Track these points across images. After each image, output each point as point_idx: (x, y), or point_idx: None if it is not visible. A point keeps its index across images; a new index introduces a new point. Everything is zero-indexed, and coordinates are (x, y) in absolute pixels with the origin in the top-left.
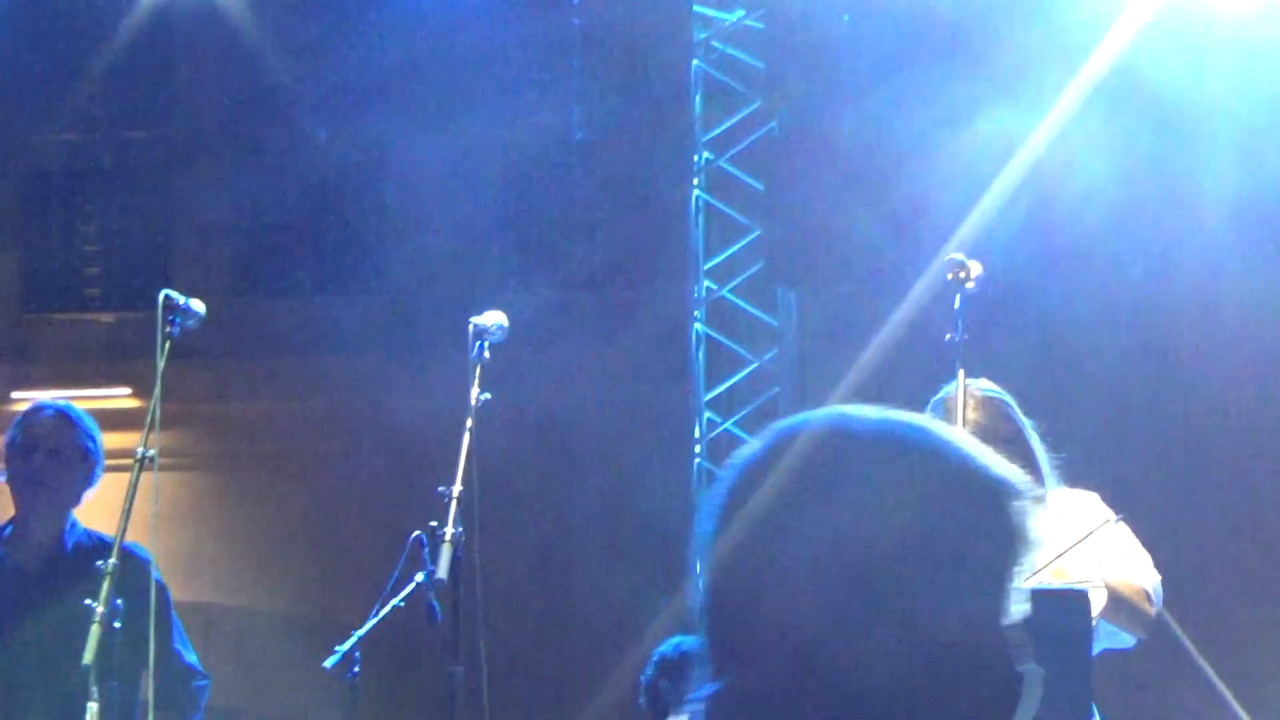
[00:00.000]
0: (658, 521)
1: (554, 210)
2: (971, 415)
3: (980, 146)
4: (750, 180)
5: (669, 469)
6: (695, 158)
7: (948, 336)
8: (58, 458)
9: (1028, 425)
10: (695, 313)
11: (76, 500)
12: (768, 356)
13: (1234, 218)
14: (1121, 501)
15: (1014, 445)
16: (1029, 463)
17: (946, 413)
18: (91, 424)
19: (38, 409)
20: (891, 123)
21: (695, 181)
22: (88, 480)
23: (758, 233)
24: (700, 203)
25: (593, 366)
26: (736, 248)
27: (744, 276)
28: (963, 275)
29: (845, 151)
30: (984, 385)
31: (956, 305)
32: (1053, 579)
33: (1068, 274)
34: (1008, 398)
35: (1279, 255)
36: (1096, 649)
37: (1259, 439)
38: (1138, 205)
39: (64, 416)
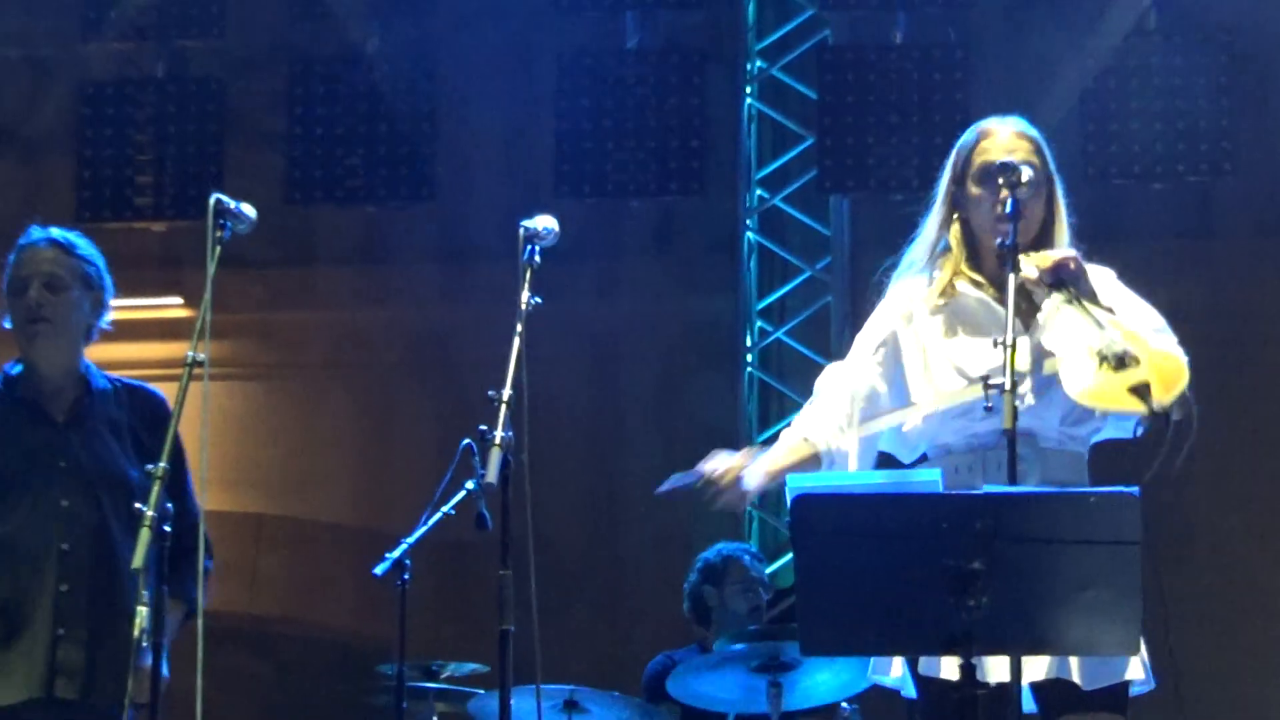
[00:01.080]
0: (708, 430)
1: (605, 118)
2: (1016, 142)
3: (1034, 60)
4: (803, 89)
5: (720, 377)
6: (748, 66)
7: (998, 241)
8: (55, 289)
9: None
10: (747, 221)
11: (87, 335)
12: (820, 265)
13: None
14: None
15: (1041, 189)
16: (1050, 212)
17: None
18: (91, 249)
19: (29, 239)
20: (945, 31)
21: (748, 90)
22: (97, 311)
23: (810, 141)
24: (753, 111)
25: (643, 275)
26: (789, 156)
27: (796, 185)
28: (1014, 179)
29: (898, 60)
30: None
31: (1007, 210)
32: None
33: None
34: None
35: None
36: (1100, 437)
37: None
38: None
39: (56, 244)
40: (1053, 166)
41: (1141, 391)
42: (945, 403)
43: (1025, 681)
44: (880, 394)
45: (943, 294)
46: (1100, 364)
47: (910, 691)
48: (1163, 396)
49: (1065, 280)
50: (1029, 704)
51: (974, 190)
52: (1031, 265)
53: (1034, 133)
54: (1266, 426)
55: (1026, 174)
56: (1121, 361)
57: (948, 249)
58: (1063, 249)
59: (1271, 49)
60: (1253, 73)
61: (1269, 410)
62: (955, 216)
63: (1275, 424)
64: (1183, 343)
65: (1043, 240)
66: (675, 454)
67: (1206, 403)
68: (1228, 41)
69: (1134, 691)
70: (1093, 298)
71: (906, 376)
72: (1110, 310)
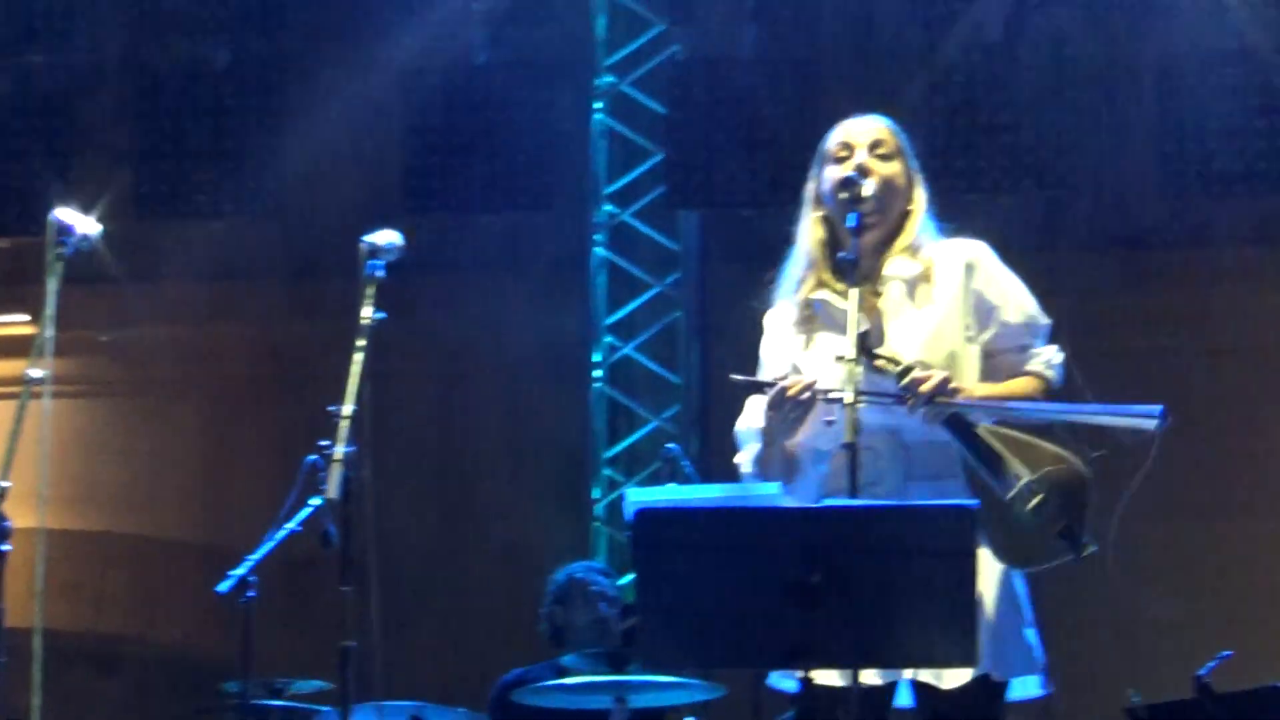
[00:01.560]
0: (556, 445)
1: (454, 134)
2: (874, 124)
3: (883, 73)
4: (653, 104)
5: (568, 393)
6: (597, 81)
7: (839, 255)
8: None
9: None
10: (596, 236)
11: None
12: (669, 280)
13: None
14: None
15: (892, 160)
16: (908, 183)
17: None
18: None
19: None
20: (794, 45)
21: (597, 105)
22: None
23: (659, 156)
24: (602, 126)
25: (492, 290)
26: (638, 172)
27: (645, 200)
28: (855, 193)
29: (747, 74)
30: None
31: (851, 224)
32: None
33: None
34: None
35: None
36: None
37: None
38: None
39: None
40: (913, 161)
41: (1067, 533)
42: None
43: (905, 677)
44: None
45: (807, 306)
46: (1015, 521)
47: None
48: (1078, 521)
49: (943, 409)
50: (908, 699)
51: (826, 192)
52: (890, 361)
53: (893, 124)
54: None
55: (869, 188)
56: (1024, 514)
57: (812, 255)
58: (930, 373)
59: (1108, 61)
60: (1088, 86)
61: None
62: (819, 217)
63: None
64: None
65: (897, 234)
66: (524, 470)
67: None
68: (1071, 54)
69: (1023, 696)
70: (971, 428)
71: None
72: (998, 432)
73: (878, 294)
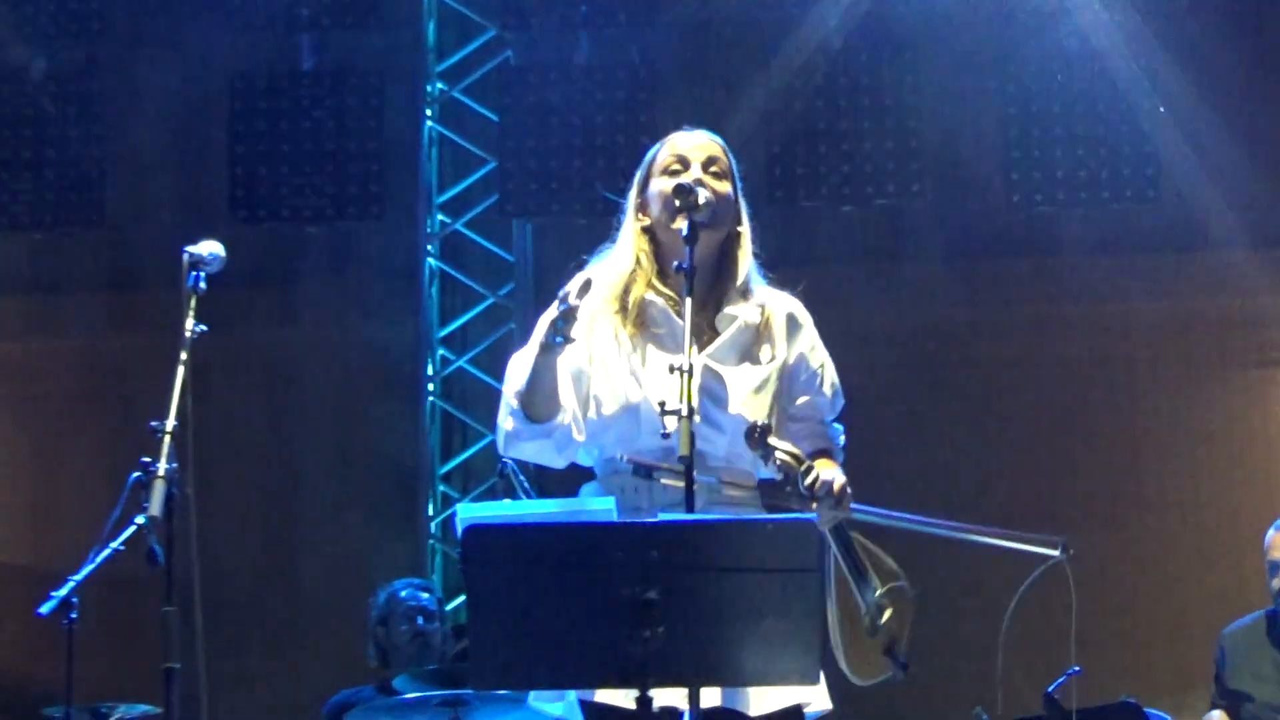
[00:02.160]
0: (388, 460)
1: (281, 142)
2: (704, 140)
3: (717, 81)
4: (485, 111)
5: (401, 407)
6: (429, 88)
7: (675, 264)
8: None
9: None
10: (428, 247)
11: None
12: (503, 291)
13: None
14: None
15: (725, 180)
16: (737, 208)
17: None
18: None
19: None
20: (628, 52)
21: (428, 112)
22: None
23: (492, 164)
24: (433, 134)
25: (321, 302)
26: (470, 180)
27: (478, 209)
28: (692, 201)
29: (580, 81)
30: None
31: (684, 231)
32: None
33: (810, 213)
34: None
35: None
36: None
37: None
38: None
39: None
40: (738, 182)
41: (892, 650)
42: (616, 408)
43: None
44: (584, 374)
45: (632, 308)
46: (861, 632)
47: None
48: (901, 636)
49: (841, 515)
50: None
51: (656, 201)
52: (785, 455)
53: (722, 142)
54: (960, 452)
55: (704, 196)
56: (876, 628)
57: (639, 263)
58: (833, 472)
59: (952, 67)
60: (932, 91)
61: (961, 436)
62: (643, 228)
63: (969, 449)
64: (873, 369)
65: (723, 260)
66: (354, 485)
67: (898, 430)
68: (911, 60)
69: (811, 716)
70: (849, 534)
71: (588, 374)
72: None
73: (713, 328)
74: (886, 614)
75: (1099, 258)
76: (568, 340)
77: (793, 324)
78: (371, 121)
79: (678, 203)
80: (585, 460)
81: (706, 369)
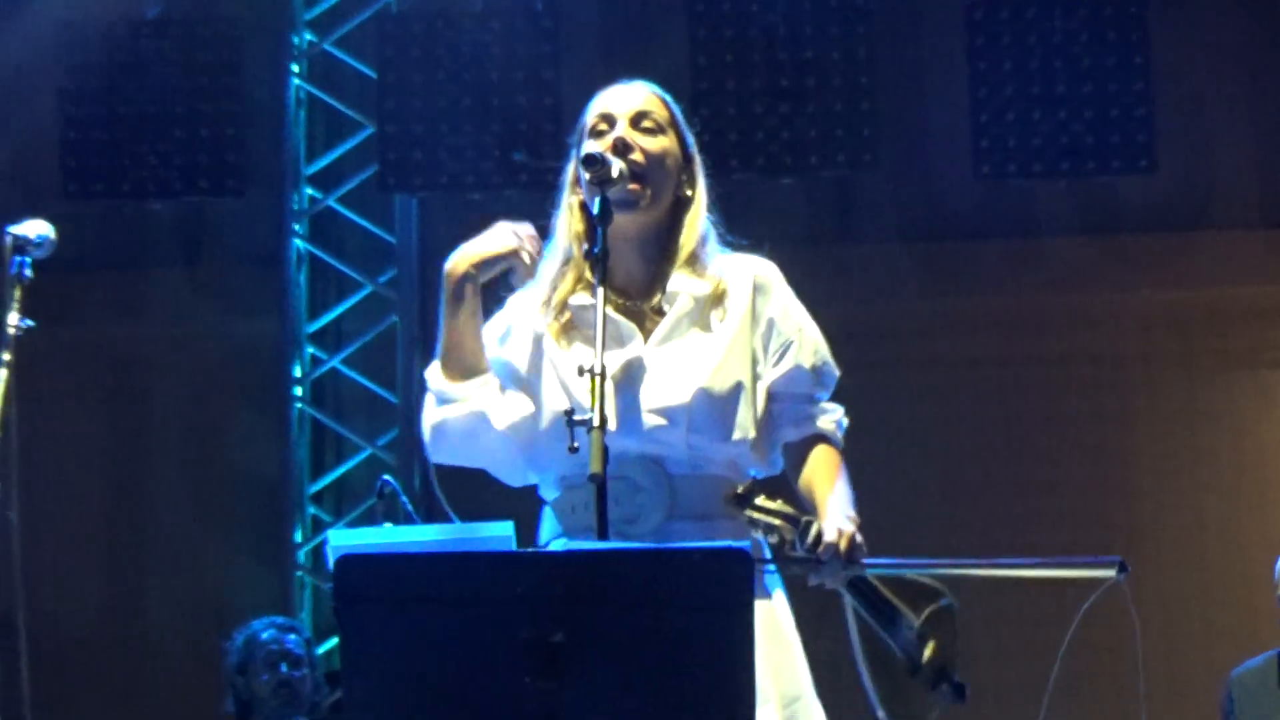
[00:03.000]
0: (250, 475)
1: (121, 104)
2: (639, 94)
3: (635, 31)
4: (362, 67)
5: (264, 414)
6: (296, 40)
7: (584, 247)
8: None
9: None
10: (295, 226)
11: None
12: (383, 279)
13: None
14: None
15: (661, 134)
16: (682, 165)
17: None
18: None
19: None
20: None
21: (295, 69)
22: None
23: (370, 130)
24: (301, 94)
25: (170, 291)
26: (345, 148)
27: (354, 183)
28: (602, 173)
29: (475, 32)
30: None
31: (595, 211)
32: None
33: (745, 186)
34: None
35: None
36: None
37: None
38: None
39: None
40: (689, 139)
41: (941, 680)
42: (547, 424)
43: None
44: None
45: (554, 308)
46: (900, 676)
47: None
48: (951, 661)
49: (857, 570)
50: None
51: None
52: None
53: (663, 92)
54: (921, 466)
55: (618, 165)
56: (918, 667)
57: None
58: (841, 522)
59: (910, 13)
60: (887, 43)
61: (922, 447)
62: (576, 204)
63: (931, 463)
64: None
65: (672, 230)
66: (208, 507)
67: (849, 441)
68: (863, 6)
69: None
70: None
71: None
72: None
73: (660, 313)
74: (929, 649)
75: (1083, 239)
76: (520, 268)
77: (759, 286)
78: (227, 79)
79: (587, 175)
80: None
81: (653, 357)
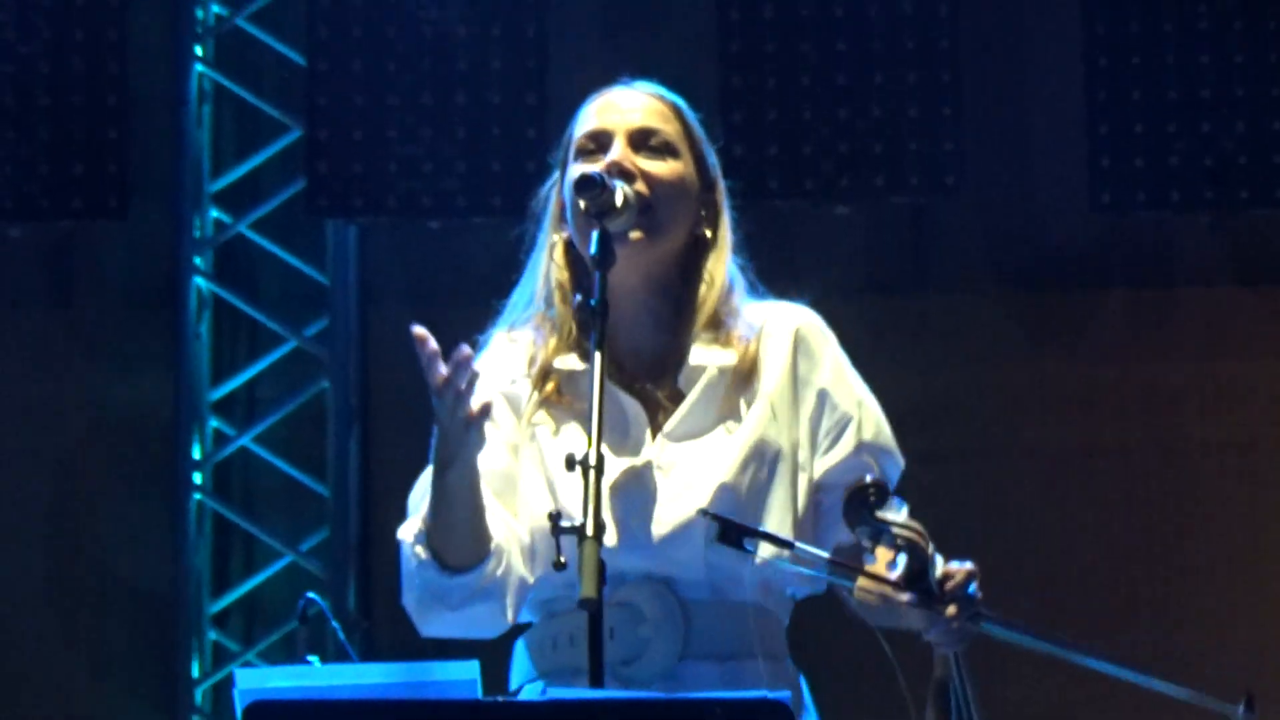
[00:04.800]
0: (130, 592)
1: None
2: (642, 104)
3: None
4: (287, 51)
5: (150, 507)
6: (199, 13)
7: (578, 300)
8: None
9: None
10: (196, 259)
11: None
12: (311, 330)
13: None
14: None
15: (672, 156)
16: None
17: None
18: None
19: None
20: None
21: (198, 51)
22: None
23: (297, 134)
24: (206, 85)
25: (28, 339)
26: (263, 157)
27: (275, 203)
28: (602, 201)
29: (434, 8)
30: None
31: (594, 250)
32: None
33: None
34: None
35: None
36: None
37: None
38: None
39: None
40: (710, 159)
41: None
42: (527, 529)
43: None
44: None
45: (535, 378)
46: None
47: None
48: None
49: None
50: None
51: (575, 203)
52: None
53: (675, 99)
54: (1013, 559)
55: (623, 192)
56: None
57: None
58: (967, 565)
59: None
60: (992, 33)
61: (1016, 537)
62: (560, 242)
63: (1027, 555)
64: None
65: (687, 279)
66: (75, 628)
67: (929, 527)
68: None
69: None
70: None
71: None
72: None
73: (675, 393)
74: None
75: (1232, 289)
76: (473, 443)
77: (801, 347)
78: (110, 65)
79: (582, 204)
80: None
81: (664, 453)
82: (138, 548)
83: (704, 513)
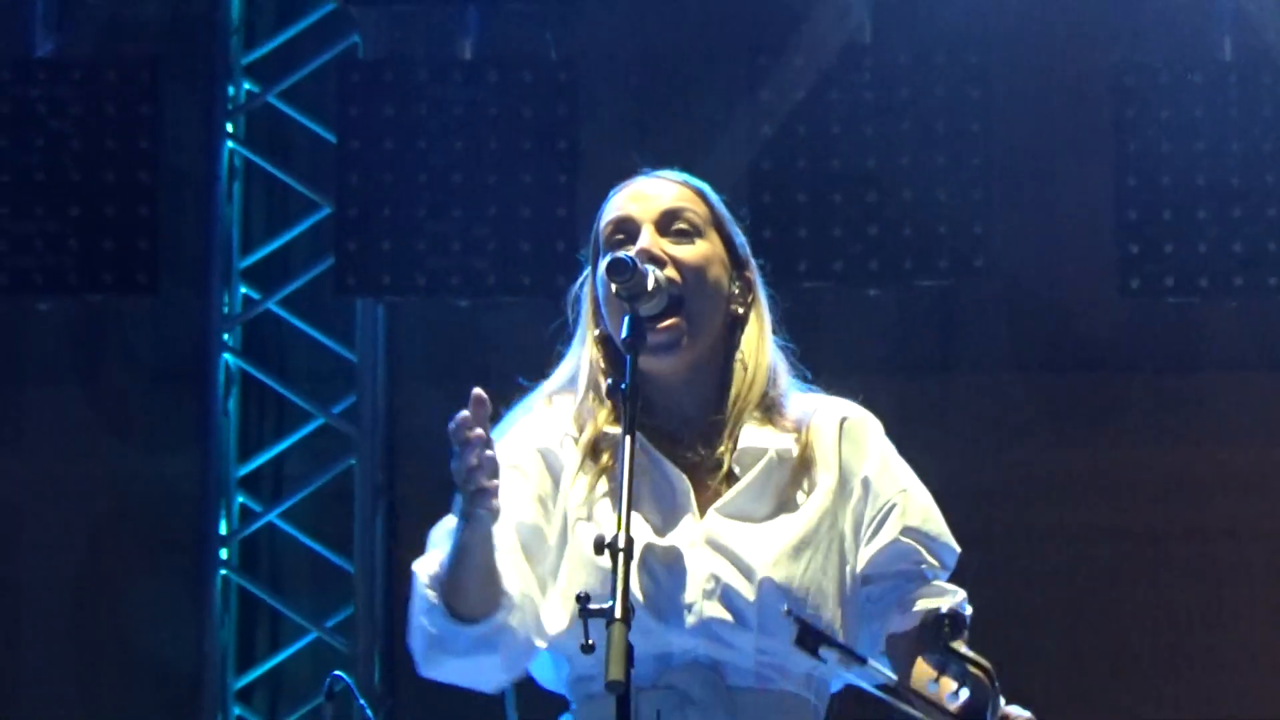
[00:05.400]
0: (157, 664)
1: (2, 171)
2: (653, 189)
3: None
4: (317, 128)
5: (176, 582)
6: (230, 90)
7: (609, 383)
8: None
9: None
10: (224, 336)
11: None
12: (338, 408)
13: None
14: None
15: (699, 239)
16: (740, 312)
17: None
18: None
19: None
20: (543, 42)
21: (229, 127)
22: None
23: (327, 211)
24: (236, 162)
25: (53, 414)
26: (291, 234)
27: (303, 280)
28: (632, 285)
29: (467, 83)
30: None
31: (624, 332)
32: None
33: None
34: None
35: None
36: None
37: None
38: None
39: None
40: (738, 239)
41: None
42: (560, 596)
43: None
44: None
45: (584, 448)
46: None
47: None
48: None
49: None
50: None
51: (607, 289)
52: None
53: (700, 184)
54: (1042, 664)
55: (655, 276)
56: None
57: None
58: (1024, 714)
59: (1048, 79)
60: (1024, 116)
61: (1045, 638)
62: (598, 337)
63: (1057, 657)
64: None
65: (729, 358)
66: (103, 700)
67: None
68: (980, 65)
69: None
70: None
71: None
72: None
73: (725, 470)
74: None
75: (1262, 375)
76: (491, 511)
77: (849, 438)
78: (140, 140)
79: (614, 287)
80: (541, 675)
81: (715, 531)
82: (164, 623)
83: (789, 614)
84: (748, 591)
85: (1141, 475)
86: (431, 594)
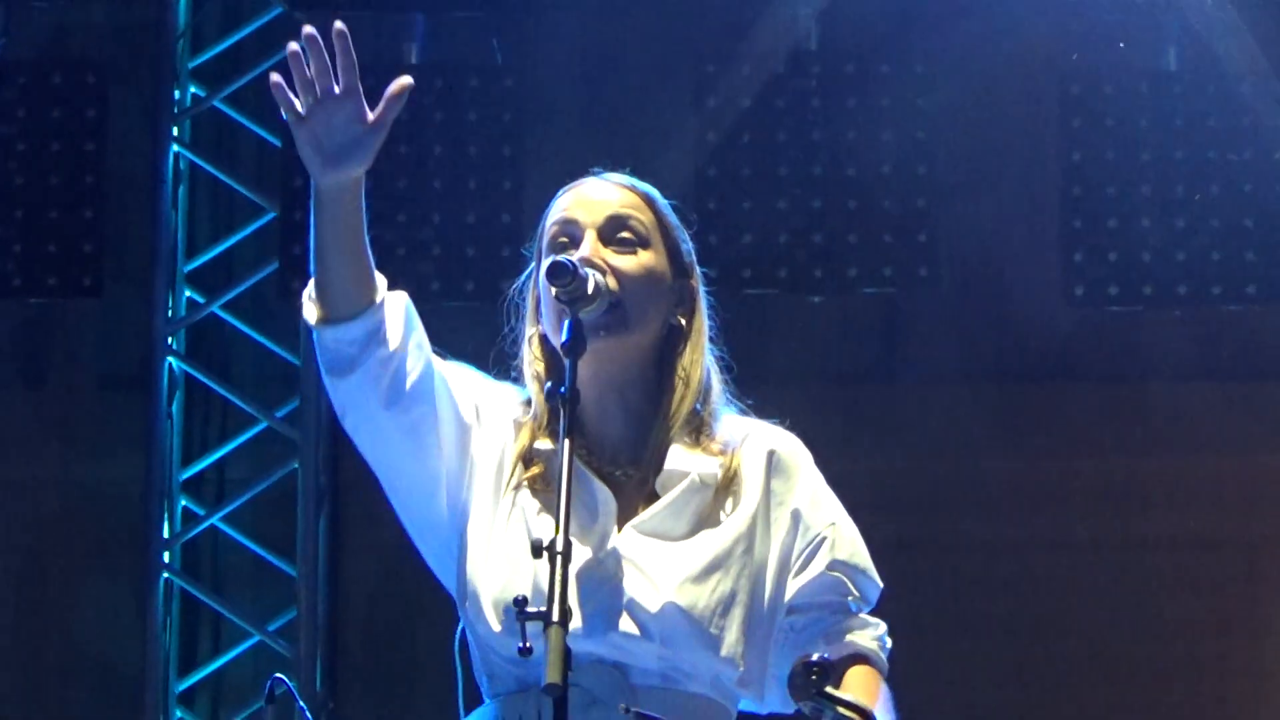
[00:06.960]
0: (99, 667)
1: None
2: (599, 193)
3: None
4: (262, 132)
5: (119, 583)
6: (177, 93)
7: (548, 389)
8: None
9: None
10: (169, 340)
11: None
12: (282, 412)
13: None
14: None
15: (642, 249)
16: (681, 321)
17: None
18: None
19: None
20: (488, 47)
21: (174, 131)
22: None
23: (272, 215)
24: (181, 165)
25: (2, 417)
26: (238, 238)
27: (249, 284)
28: (572, 289)
29: (410, 94)
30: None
31: (564, 336)
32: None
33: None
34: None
35: None
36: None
37: None
38: None
39: None
40: (684, 248)
41: None
42: (491, 598)
43: None
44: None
45: (514, 462)
46: None
47: None
48: None
49: None
50: None
51: (548, 291)
52: None
53: (647, 189)
54: (979, 685)
55: (595, 279)
56: None
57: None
58: None
59: (989, 90)
60: (967, 126)
61: (984, 658)
62: (536, 332)
63: (995, 679)
64: None
65: (662, 371)
66: (45, 702)
67: (914, 639)
68: (926, 75)
69: None
70: None
71: (468, 498)
72: None
73: (648, 489)
74: None
75: (1204, 385)
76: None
77: (776, 467)
78: (85, 143)
79: (554, 291)
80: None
81: (630, 547)
82: (106, 625)
83: (809, 662)
84: (652, 607)
85: (1086, 484)
86: (311, 307)
